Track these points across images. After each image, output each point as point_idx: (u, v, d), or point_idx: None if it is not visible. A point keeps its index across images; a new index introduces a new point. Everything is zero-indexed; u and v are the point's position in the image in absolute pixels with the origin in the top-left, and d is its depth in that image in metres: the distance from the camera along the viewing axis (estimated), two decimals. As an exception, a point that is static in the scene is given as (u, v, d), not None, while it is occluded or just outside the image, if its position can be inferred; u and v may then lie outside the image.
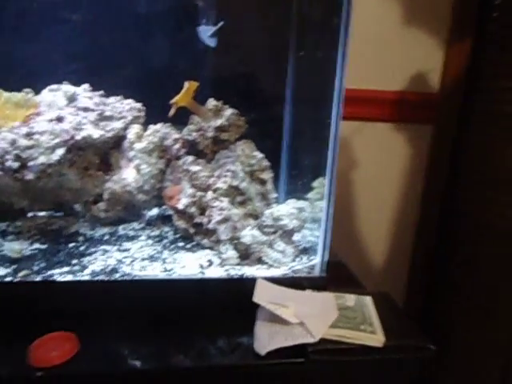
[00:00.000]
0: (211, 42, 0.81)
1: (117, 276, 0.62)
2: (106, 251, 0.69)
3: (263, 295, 0.59)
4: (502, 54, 1.07)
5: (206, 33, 0.81)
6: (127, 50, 0.79)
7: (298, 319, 0.55)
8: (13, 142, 0.61)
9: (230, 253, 0.68)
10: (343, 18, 0.60)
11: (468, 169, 1.18)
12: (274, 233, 0.70)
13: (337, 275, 0.70)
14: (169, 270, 0.65)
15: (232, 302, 0.61)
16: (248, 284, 0.61)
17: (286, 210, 0.70)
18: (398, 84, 1.18)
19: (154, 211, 0.84)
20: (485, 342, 1.04)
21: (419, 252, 1.30)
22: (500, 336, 0.98)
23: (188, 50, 0.82)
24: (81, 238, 0.72)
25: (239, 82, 0.86)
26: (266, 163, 0.78)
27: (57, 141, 0.63)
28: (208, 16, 0.80)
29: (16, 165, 0.61)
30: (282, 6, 0.86)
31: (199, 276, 0.64)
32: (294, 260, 0.70)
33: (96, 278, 0.61)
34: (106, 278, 0.62)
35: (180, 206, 0.70)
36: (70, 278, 0.60)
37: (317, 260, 0.67)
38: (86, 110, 0.69)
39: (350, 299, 0.63)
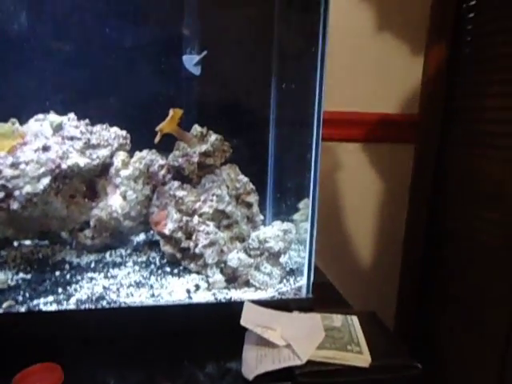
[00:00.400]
0: (195, 71, 0.84)
1: (103, 304, 0.62)
2: (92, 279, 0.69)
3: (251, 318, 0.59)
4: (478, 75, 1.12)
5: (191, 61, 0.84)
6: (112, 79, 0.81)
7: (285, 341, 0.55)
8: (-2, 172, 0.61)
9: (217, 276, 0.68)
10: (320, 45, 0.63)
11: (451, 186, 1.21)
12: (261, 255, 0.70)
13: (324, 296, 0.71)
14: (156, 296, 0.64)
15: (220, 326, 0.61)
16: (236, 307, 0.61)
17: (271, 233, 0.71)
18: (379, 106, 1.22)
19: (141, 237, 0.85)
20: (476, 358, 1.04)
21: (407, 270, 1.32)
22: (491, 351, 0.99)
23: (173, 78, 0.84)
24: (67, 266, 0.72)
25: (223, 109, 0.88)
26: (251, 186, 0.79)
27: (43, 170, 0.64)
28: (192, 46, 0.83)
29: (1, 195, 0.61)
30: (264, 36, 0.89)
31: (187, 301, 0.64)
32: (280, 282, 0.70)
33: (82, 307, 0.61)
34: (93, 306, 0.61)
35: (166, 231, 0.70)
36: (54, 307, 0.60)
37: (303, 281, 0.68)
38: (72, 138, 0.70)
39: (337, 319, 0.64)
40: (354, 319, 0.65)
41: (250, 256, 0.70)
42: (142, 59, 0.85)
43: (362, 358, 0.54)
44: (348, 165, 1.25)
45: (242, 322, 0.58)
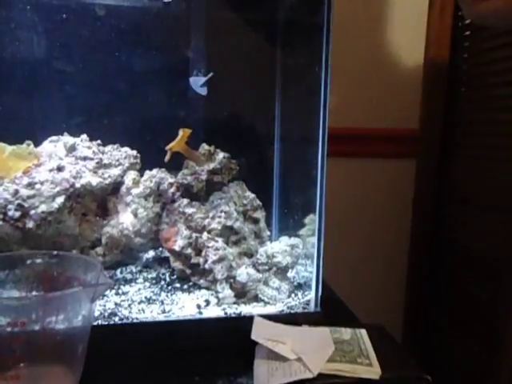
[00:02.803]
0: (202, 91, 0.87)
1: (115, 320, 0.63)
2: (103, 295, 0.70)
3: (261, 332, 0.60)
4: (478, 88, 1.15)
5: (198, 83, 0.87)
6: (123, 101, 0.84)
7: (296, 355, 0.56)
8: (15, 193, 0.63)
9: (227, 292, 0.70)
10: (323, 66, 0.65)
11: (452, 198, 1.23)
12: (269, 270, 0.72)
13: (332, 310, 0.71)
14: (167, 312, 0.66)
15: (230, 341, 0.62)
16: (245, 322, 0.62)
17: (279, 248, 0.73)
18: (379, 121, 1.25)
19: (151, 254, 0.86)
20: (486, 369, 1.04)
21: (413, 282, 1.32)
22: (501, 362, 0.98)
23: (181, 99, 0.87)
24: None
25: (230, 128, 0.91)
26: (257, 203, 0.81)
27: (57, 189, 0.66)
28: (199, 68, 0.86)
29: (17, 214, 0.63)
30: (268, 57, 0.93)
31: (197, 316, 0.65)
32: (289, 296, 0.71)
33: (94, 323, 0.62)
34: (105, 322, 0.63)
35: (177, 247, 0.72)
36: (67, 324, 0.61)
37: (311, 295, 0.69)
38: (85, 158, 0.72)
39: (346, 333, 0.65)
40: (363, 332, 0.65)
41: (258, 271, 0.71)
42: (151, 82, 0.88)
43: (372, 371, 0.54)
44: (351, 180, 1.27)
45: (253, 336, 0.58)
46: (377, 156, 1.28)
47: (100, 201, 0.76)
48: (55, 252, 0.60)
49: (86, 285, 0.52)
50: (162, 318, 0.64)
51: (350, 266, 1.28)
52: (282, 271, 0.72)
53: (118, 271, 0.78)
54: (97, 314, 0.64)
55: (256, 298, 0.70)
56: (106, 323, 0.62)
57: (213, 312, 0.66)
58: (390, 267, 1.32)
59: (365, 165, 1.27)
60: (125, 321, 0.63)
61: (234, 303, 0.69)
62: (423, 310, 1.29)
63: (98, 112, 0.82)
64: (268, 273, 0.72)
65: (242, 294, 0.70)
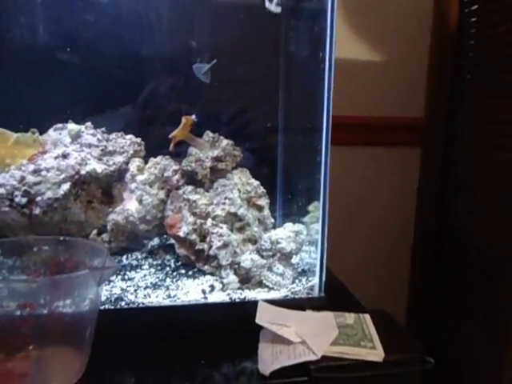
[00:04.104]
0: (205, 79, 0.87)
1: (122, 304, 0.64)
2: (110, 281, 0.71)
3: (265, 317, 0.60)
4: (484, 76, 1.13)
5: (201, 70, 0.87)
6: (127, 90, 0.84)
7: (300, 338, 0.57)
8: (21, 179, 0.64)
9: (231, 277, 0.70)
10: (327, 51, 0.65)
11: (458, 187, 1.22)
12: (273, 256, 0.72)
13: (336, 296, 0.72)
14: (172, 297, 0.66)
15: (235, 326, 0.62)
16: (250, 307, 0.63)
17: (283, 234, 0.73)
18: (384, 109, 1.24)
19: (156, 240, 0.87)
20: (489, 355, 1.04)
21: (417, 270, 1.32)
22: (504, 348, 0.99)
23: (184, 87, 0.87)
24: (85, 270, 0.74)
25: (233, 115, 0.91)
26: (261, 190, 0.81)
27: (63, 176, 0.66)
28: (202, 55, 0.86)
29: (24, 200, 0.64)
30: (272, 43, 0.92)
31: (202, 301, 0.66)
32: (293, 282, 0.72)
33: (101, 307, 0.63)
34: (112, 307, 0.63)
35: (181, 233, 0.73)
36: (73, 308, 0.62)
37: (315, 281, 0.70)
38: (90, 146, 0.72)
39: (350, 317, 0.65)
40: (367, 317, 0.66)
41: (262, 257, 0.72)
42: (155, 70, 0.88)
43: (375, 353, 0.55)
44: (355, 168, 1.27)
45: (258, 321, 0.59)
46: (381, 145, 1.27)
47: (105, 188, 0.76)
48: (62, 238, 0.61)
49: (93, 268, 0.52)
50: (167, 302, 0.65)
51: (354, 254, 1.28)
52: (286, 257, 0.73)
53: (124, 257, 0.78)
54: (103, 298, 0.65)
55: (260, 284, 0.71)
56: (113, 307, 0.63)
57: (217, 297, 0.67)
58: (395, 255, 1.32)
59: (369, 153, 1.27)
60: (131, 305, 0.64)
61: (239, 289, 0.69)
62: (427, 298, 1.30)
63: (102, 100, 0.82)
64: (272, 259, 0.72)
65: (247, 279, 0.71)
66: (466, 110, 1.21)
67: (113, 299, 0.65)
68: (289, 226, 0.76)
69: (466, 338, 1.14)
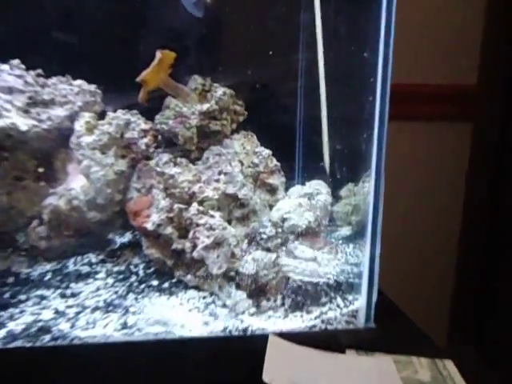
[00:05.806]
0: (196, 12, 0.62)
1: (45, 339, 0.39)
2: (42, 298, 0.47)
3: (278, 369, 0.35)
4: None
5: (190, 0, 0.62)
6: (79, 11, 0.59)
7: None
8: None
9: (236, 294, 0.45)
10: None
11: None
12: (284, 243, 0.48)
13: (391, 325, 0.45)
14: (129, 326, 0.41)
15: (229, 373, 0.37)
16: (255, 342, 0.38)
17: (289, 206, 0.52)
18: (428, 76, 1.03)
19: (128, 236, 0.62)
20: None
21: (464, 270, 1.13)
22: None
23: (167, 16, 0.61)
24: (10, 280, 0.50)
25: (235, 53, 0.64)
26: (274, 163, 0.59)
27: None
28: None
29: None
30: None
31: (179, 335, 0.41)
32: (327, 300, 0.46)
33: (10, 345, 0.38)
34: (27, 344, 0.39)
35: (150, 225, 0.48)
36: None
37: (361, 302, 0.43)
38: (10, 91, 0.47)
39: (422, 366, 0.39)
40: (449, 366, 0.40)
41: (269, 250, 0.47)
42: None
43: None
44: (392, 147, 1.04)
45: (265, 378, 0.34)
46: (421, 119, 1.06)
47: (42, 158, 0.52)
48: None
49: None
50: (118, 336, 0.40)
51: (392, 250, 1.05)
52: (307, 233, 0.48)
53: (71, 262, 0.54)
54: (19, 328, 0.40)
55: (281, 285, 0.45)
56: (30, 345, 0.38)
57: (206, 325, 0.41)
58: (438, 251, 1.10)
59: (407, 129, 1.05)
60: (59, 342, 0.39)
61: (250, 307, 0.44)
62: (474, 302, 1.07)
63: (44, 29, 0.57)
64: (286, 246, 0.47)
65: (259, 290, 0.45)
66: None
67: (33, 331, 0.40)
68: (295, 190, 0.56)
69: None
